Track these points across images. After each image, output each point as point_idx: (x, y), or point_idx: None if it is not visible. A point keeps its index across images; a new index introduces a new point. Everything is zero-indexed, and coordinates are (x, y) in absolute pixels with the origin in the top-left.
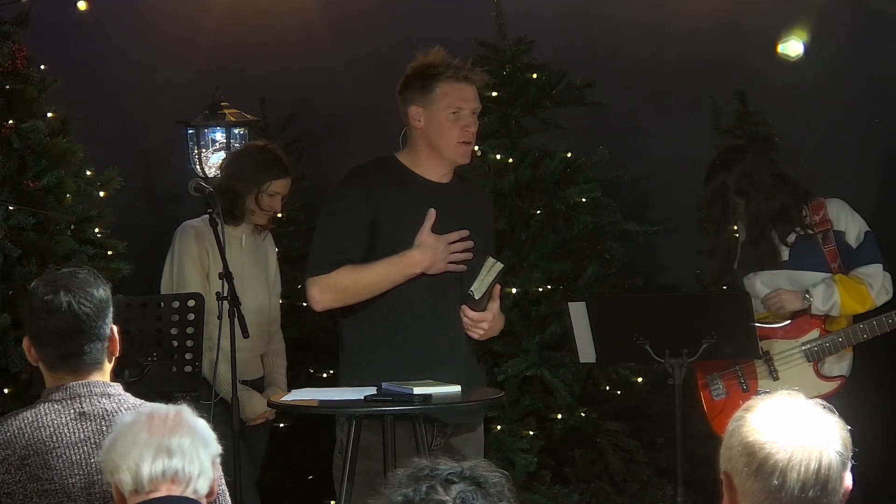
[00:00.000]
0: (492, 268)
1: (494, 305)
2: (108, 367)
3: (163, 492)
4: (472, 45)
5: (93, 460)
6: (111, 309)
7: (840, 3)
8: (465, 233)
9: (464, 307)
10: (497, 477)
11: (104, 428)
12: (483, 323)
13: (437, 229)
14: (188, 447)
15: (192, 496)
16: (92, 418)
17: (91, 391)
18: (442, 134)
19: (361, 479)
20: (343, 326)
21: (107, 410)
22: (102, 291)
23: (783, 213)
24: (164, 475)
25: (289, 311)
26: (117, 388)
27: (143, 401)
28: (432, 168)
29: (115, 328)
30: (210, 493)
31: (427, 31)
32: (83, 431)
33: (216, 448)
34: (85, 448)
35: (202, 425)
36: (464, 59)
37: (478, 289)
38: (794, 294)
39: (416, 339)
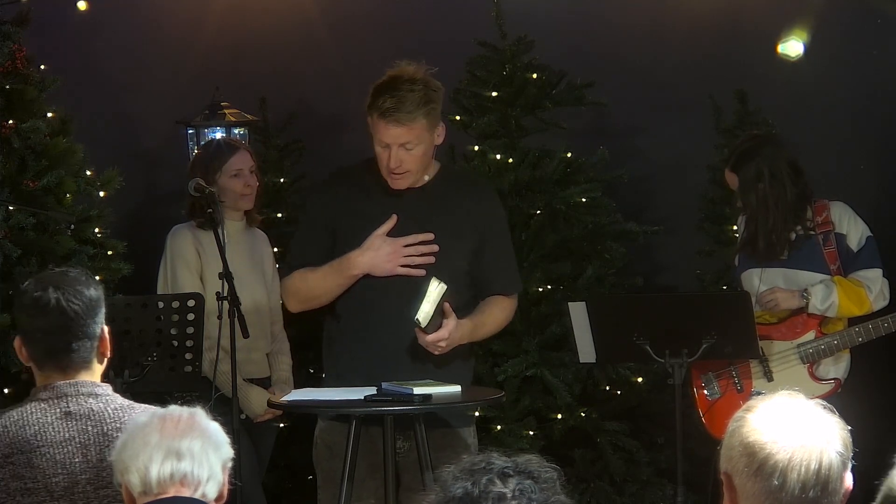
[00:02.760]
0: (435, 290)
1: (450, 321)
2: (99, 367)
3: (171, 494)
4: (472, 45)
5: (77, 460)
6: (103, 309)
7: (840, 3)
8: (427, 236)
9: (417, 332)
10: (549, 472)
11: (89, 427)
12: (440, 342)
13: (399, 233)
14: (198, 450)
15: (200, 499)
16: (77, 418)
17: (78, 391)
18: (377, 157)
19: (332, 475)
20: (324, 328)
21: (93, 410)
22: (94, 291)
23: (794, 206)
24: (172, 478)
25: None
26: (105, 389)
27: (132, 401)
28: None
29: (106, 329)
30: (219, 498)
31: (427, 31)
32: (68, 431)
33: (228, 452)
34: (69, 447)
35: (215, 429)
36: (401, 96)
37: (423, 317)
38: (791, 292)
39: (375, 342)
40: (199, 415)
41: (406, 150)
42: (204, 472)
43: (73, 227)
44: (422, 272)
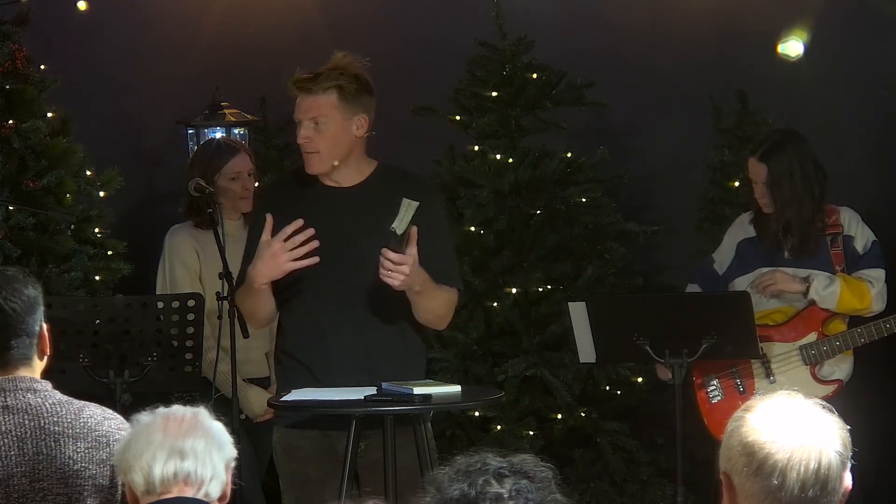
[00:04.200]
0: (408, 206)
1: (412, 251)
2: (40, 364)
3: (174, 493)
4: (472, 45)
5: (12, 453)
6: (41, 308)
7: (840, 3)
8: (298, 223)
9: (384, 250)
10: (544, 471)
11: (26, 421)
12: (403, 266)
13: (335, 234)
14: (202, 450)
15: (203, 499)
16: (15, 412)
17: (16, 386)
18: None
19: (293, 479)
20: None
21: (30, 405)
22: (31, 290)
23: (819, 204)
24: (175, 477)
25: None
26: (45, 385)
27: (70, 397)
28: (336, 172)
29: (45, 327)
30: (222, 497)
31: (427, 31)
32: (5, 424)
33: (231, 452)
34: (5, 440)
35: (218, 428)
36: (317, 72)
37: (399, 226)
38: (791, 276)
39: (300, 351)
40: (203, 414)
41: (316, 126)
42: (207, 471)
43: (73, 227)
44: (314, 260)
